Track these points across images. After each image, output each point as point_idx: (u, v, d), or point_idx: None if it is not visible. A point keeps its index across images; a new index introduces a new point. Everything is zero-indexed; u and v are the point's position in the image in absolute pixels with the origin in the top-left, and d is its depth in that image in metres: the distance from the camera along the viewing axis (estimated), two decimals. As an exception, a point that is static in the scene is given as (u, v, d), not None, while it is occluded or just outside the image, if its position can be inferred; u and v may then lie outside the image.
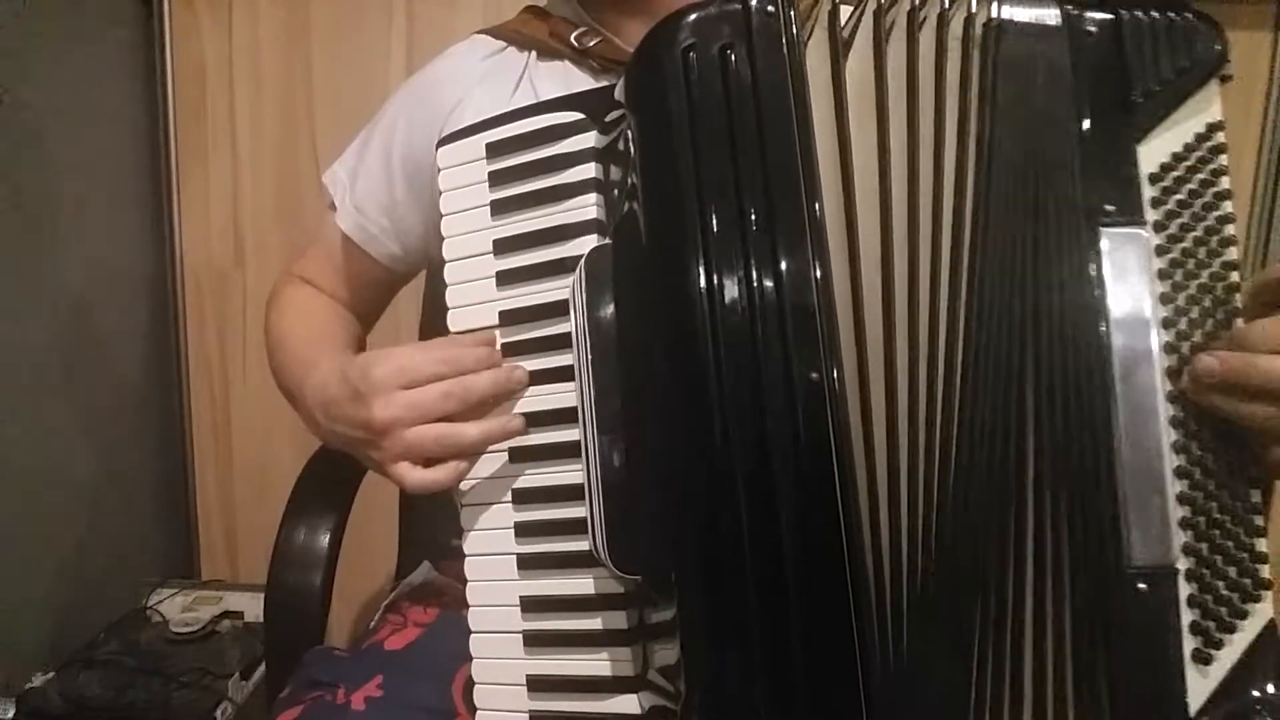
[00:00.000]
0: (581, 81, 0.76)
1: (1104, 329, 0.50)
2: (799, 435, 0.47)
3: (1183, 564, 0.49)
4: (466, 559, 0.58)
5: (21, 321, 1.22)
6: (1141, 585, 0.49)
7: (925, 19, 0.52)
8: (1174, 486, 0.49)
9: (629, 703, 0.54)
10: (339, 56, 1.46)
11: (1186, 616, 0.49)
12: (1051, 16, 0.52)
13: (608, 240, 0.54)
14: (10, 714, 1.14)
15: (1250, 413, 0.48)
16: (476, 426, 0.56)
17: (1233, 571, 0.49)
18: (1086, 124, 0.51)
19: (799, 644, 0.47)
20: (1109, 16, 0.52)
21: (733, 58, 0.49)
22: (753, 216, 0.48)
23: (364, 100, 1.44)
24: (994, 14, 0.52)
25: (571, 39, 0.76)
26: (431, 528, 0.90)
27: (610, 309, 0.52)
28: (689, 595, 0.49)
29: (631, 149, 0.52)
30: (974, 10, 0.52)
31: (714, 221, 0.48)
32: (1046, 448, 0.50)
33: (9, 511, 1.20)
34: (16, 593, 1.21)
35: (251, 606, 1.34)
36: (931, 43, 0.52)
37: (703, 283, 0.48)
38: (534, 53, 0.79)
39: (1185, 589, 0.49)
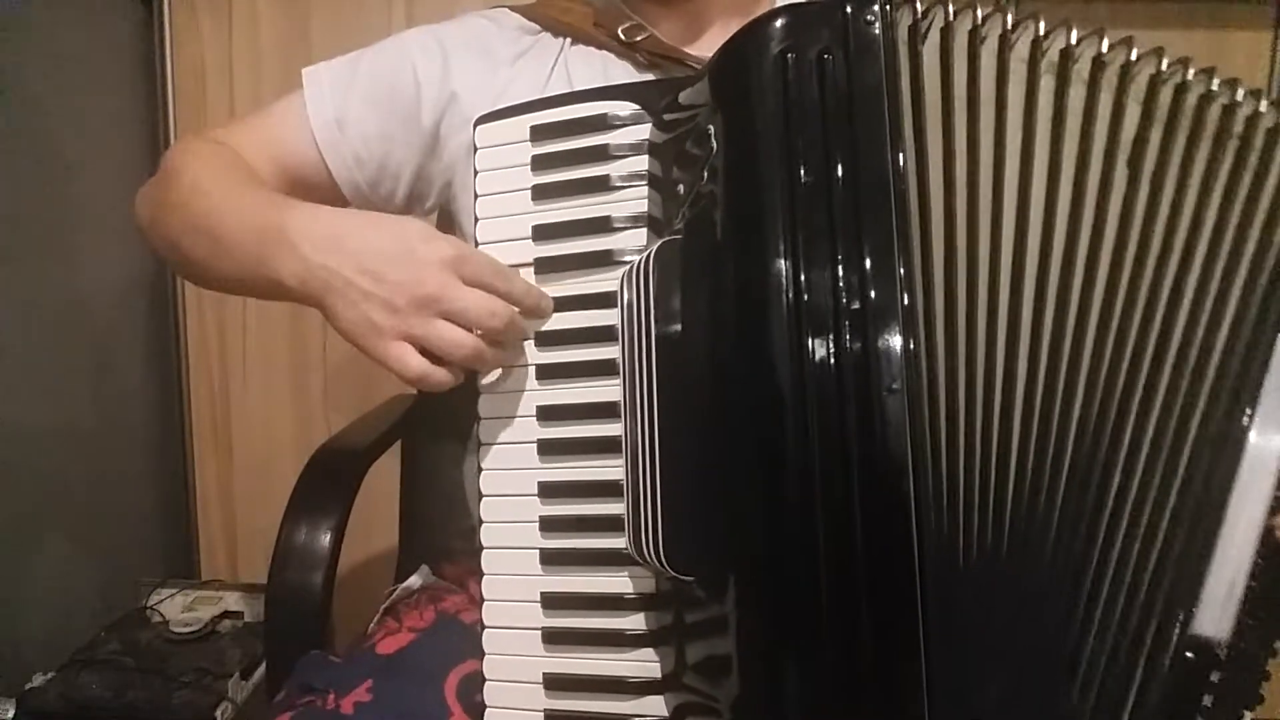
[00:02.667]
0: (621, 73, 0.74)
1: (1246, 422, 0.49)
2: (875, 451, 0.45)
3: (1222, 649, 0.49)
4: (484, 552, 0.57)
5: (21, 321, 1.22)
6: (1189, 654, 0.49)
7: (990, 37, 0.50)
8: (1247, 570, 0.49)
9: (656, 704, 0.53)
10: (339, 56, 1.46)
11: (1206, 699, 0.49)
12: None
13: (676, 236, 0.52)
14: (10, 714, 1.13)
15: None
16: (497, 354, 0.55)
17: (1253, 668, 0.49)
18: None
19: (862, 661, 0.45)
20: None
21: (830, 63, 0.47)
22: (842, 228, 0.46)
23: (364, 100, 1.44)
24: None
25: (619, 31, 0.74)
26: (432, 529, 0.90)
27: (676, 306, 0.50)
28: (748, 600, 0.47)
29: (711, 148, 0.50)
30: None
31: (801, 227, 0.47)
32: (1154, 492, 0.49)
33: (9, 511, 1.19)
34: (16, 593, 1.21)
35: (251, 606, 1.34)
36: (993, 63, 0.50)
37: (785, 285, 0.46)
38: (568, 39, 0.77)
39: (1216, 674, 0.49)
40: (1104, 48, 0.50)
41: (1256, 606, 0.49)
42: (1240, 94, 0.50)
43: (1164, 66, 0.50)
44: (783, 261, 0.46)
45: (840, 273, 0.46)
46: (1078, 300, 0.49)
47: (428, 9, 1.45)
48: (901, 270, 0.46)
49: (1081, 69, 0.50)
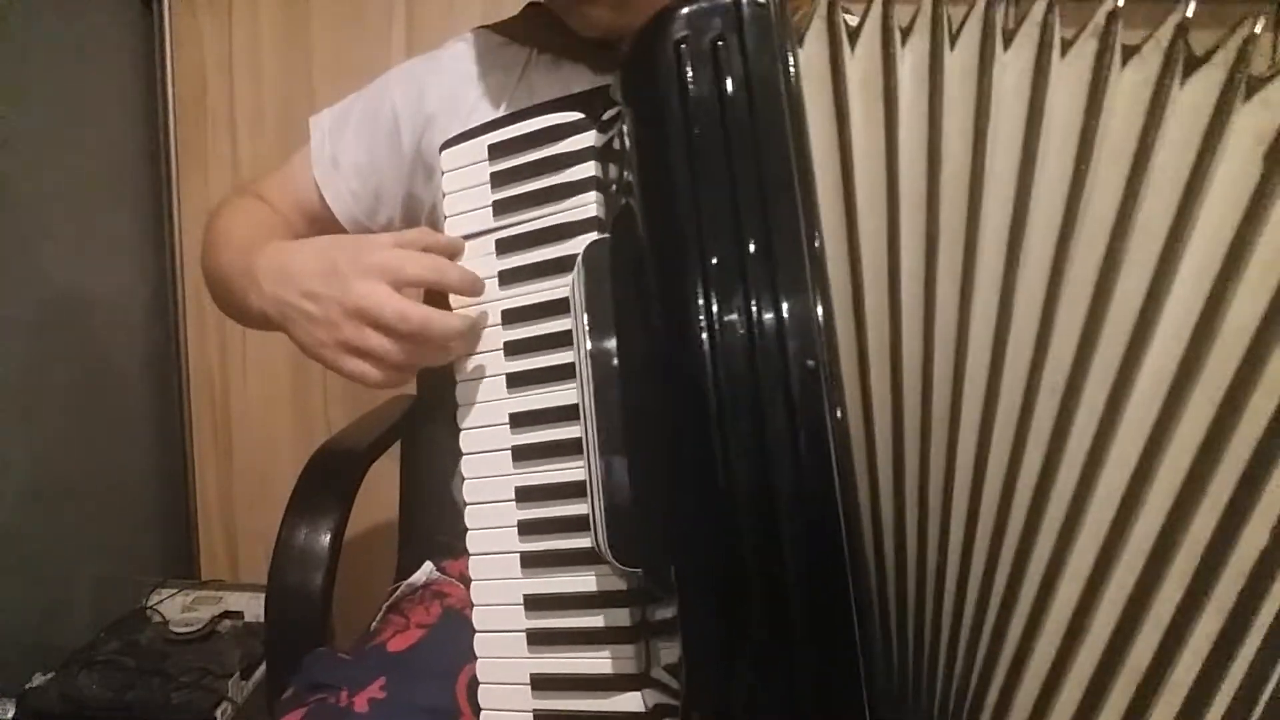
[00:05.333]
0: (581, 79, 0.76)
1: None
2: (797, 429, 0.46)
3: None
4: (470, 558, 0.58)
5: (21, 321, 1.22)
6: None
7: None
8: None
9: (633, 700, 0.53)
10: (339, 57, 1.46)
11: None
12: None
13: (605, 235, 0.54)
14: (10, 714, 1.14)
15: None
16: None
17: None
18: None
19: (801, 645, 0.46)
20: None
21: (724, 50, 0.49)
22: (747, 210, 0.47)
23: (364, 100, 1.44)
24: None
25: (574, 37, 0.76)
26: (432, 527, 0.90)
27: (608, 303, 0.52)
28: (686, 590, 0.48)
29: (627, 144, 0.52)
30: None
31: (709, 215, 0.48)
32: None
33: (9, 511, 1.20)
34: (16, 593, 1.21)
35: (251, 606, 1.34)
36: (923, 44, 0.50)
37: (699, 277, 0.47)
38: (535, 49, 0.80)
39: None
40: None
41: None
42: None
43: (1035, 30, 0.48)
44: (693, 251, 0.47)
45: (749, 255, 0.47)
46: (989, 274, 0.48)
47: (428, 9, 1.45)
48: (810, 246, 0.46)
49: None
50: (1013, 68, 0.47)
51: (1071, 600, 0.46)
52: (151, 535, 1.53)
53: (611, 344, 0.52)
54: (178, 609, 1.36)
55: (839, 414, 0.45)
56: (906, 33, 0.49)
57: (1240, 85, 0.44)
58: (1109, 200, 0.45)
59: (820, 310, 0.45)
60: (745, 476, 0.46)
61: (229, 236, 0.76)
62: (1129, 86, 0.45)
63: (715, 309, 0.47)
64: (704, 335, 0.46)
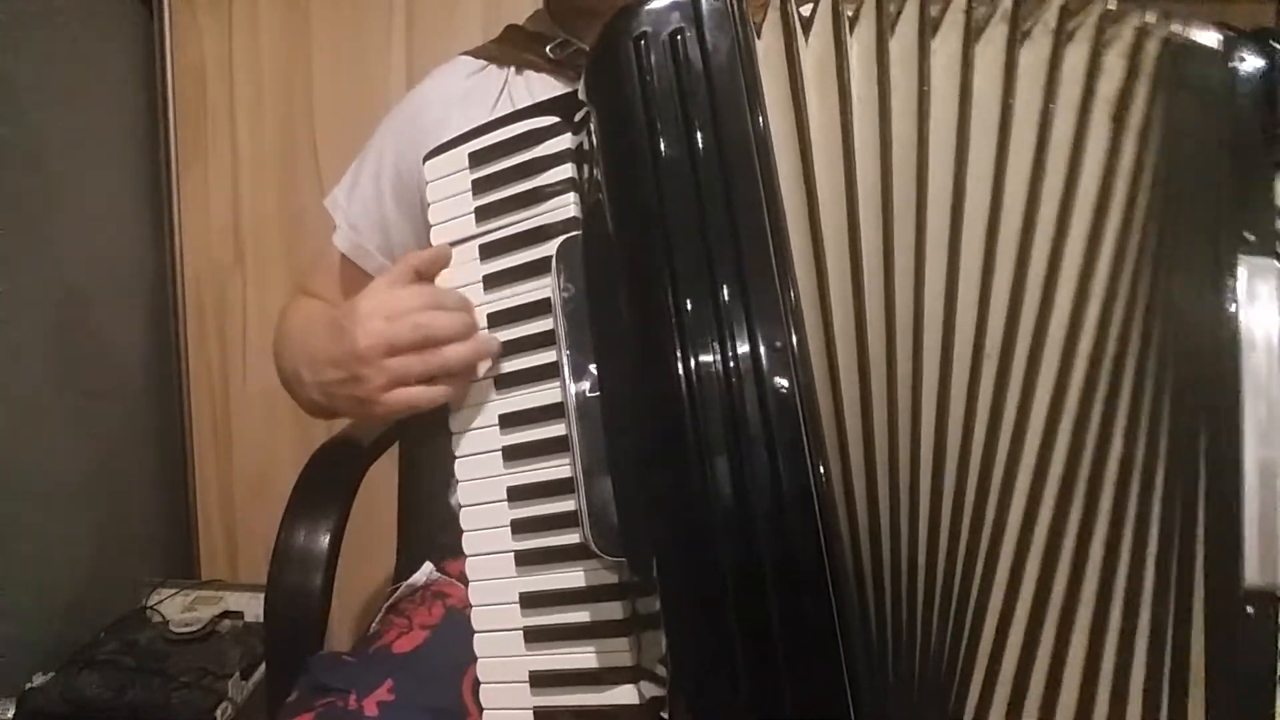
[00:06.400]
0: (560, 90, 0.77)
1: (1235, 349, 0.49)
2: (768, 407, 0.47)
3: None
4: (467, 559, 0.58)
5: (21, 321, 1.22)
6: (1249, 608, 0.48)
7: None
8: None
9: (628, 693, 0.54)
10: (339, 56, 1.47)
11: None
12: (1212, 40, 0.51)
13: (578, 233, 0.55)
14: (10, 714, 1.14)
15: None
16: (455, 348, 0.58)
17: None
18: (1231, 151, 0.51)
19: (779, 627, 0.47)
20: (1263, 46, 0.51)
21: (683, 44, 0.50)
22: (710, 199, 0.49)
23: (363, 100, 1.44)
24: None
25: (546, 51, 0.80)
26: (430, 528, 0.90)
27: (583, 298, 0.53)
28: (666, 578, 0.49)
29: (595, 141, 0.53)
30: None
31: (673, 207, 0.49)
32: (1167, 458, 0.49)
33: (9, 511, 1.20)
34: (17, 593, 1.21)
35: (251, 606, 1.34)
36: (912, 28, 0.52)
37: (668, 272, 0.49)
38: (513, 68, 0.82)
39: None
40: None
41: None
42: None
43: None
44: (658, 242, 0.49)
45: (714, 244, 0.48)
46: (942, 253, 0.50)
47: (428, 9, 1.45)
48: (774, 232, 0.48)
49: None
50: (942, 52, 0.51)
51: (1010, 553, 0.50)
52: (151, 535, 1.53)
53: (587, 339, 0.53)
54: (178, 609, 1.36)
55: (809, 395, 0.47)
56: (854, 22, 0.51)
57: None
58: (1023, 169, 0.50)
59: (792, 295, 0.47)
60: (721, 462, 0.47)
61: (287, 340, 0.81)
62: (1028, 65, 0.51)
63: (684, 300, 0.48)
64: (674, 322, 0.48)
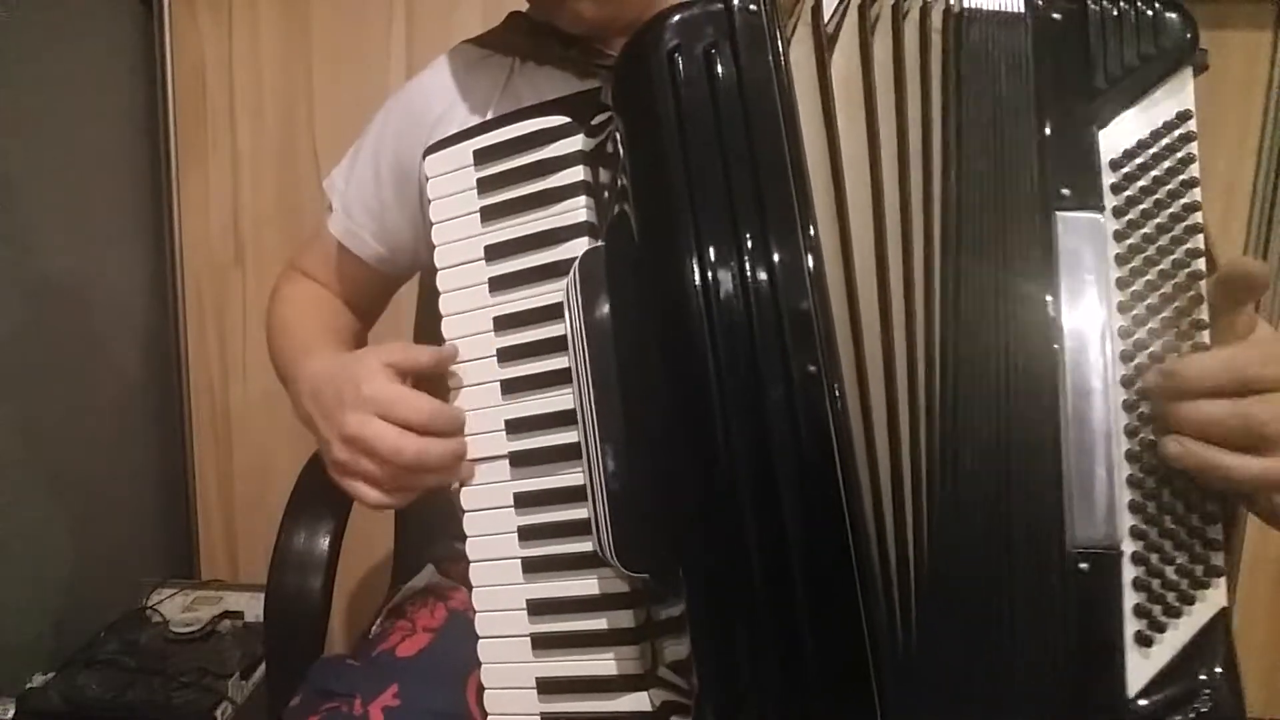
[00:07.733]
0: (565, 85, 0.76)
1: (1053, 310, 0.50)
2: (799, 428, 0.47)
3: (1129, 546, 0.49)
4: (471, 565, 0.58)
5: (21, 321, 1.22)
6: (1083, 565, 0.49)
7: (909, 11, 0.53)
8: (1124, 469, 0.49)
9: (640, 700, 0.54)
10: (339, 56, 1.46)
11: (1131, 599, 0.49)
12: (1015, 4, 0.53)
13: (600, 242, 0.54)
14: (10, 714, 1.14)
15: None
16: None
17: (1182, 557, 0.49)
18: (1046, 110, 0.52)
19: (808, 633, 0.47)
20: (1075, 5, 0.53)
21: (717, 58, 0.49)
22: (744, 214, 0.49)
23: (364, 100, 1.44)
24: (960, 3, 0.53)
25: (554, 43, 0.77)
26: (429, 531, 0.90)
27: (606, 310, 0.52)
28: (696, 590, 0.49)
29: (620, 151, 0.52)
30: (951, 1, 0.53)
31: (706, 220, 0.49)
32: (1000, 429, 0.50)
33: (9, 511, 1.20)
34: (16, 593, 1.22)
35: (251, 606, 1.34)
36: (915, 35, 0.53)
37: (697, 281, 0.48)
38: (517, 58, 0.80)
39: (1131, 571, 0.49)
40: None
41: (1151, 489, 0.49)
42: None
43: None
44: (692, 259, 0.49)
45: (746, 263, 0.48)
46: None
47: (428, 9, 1.45)
48: (810, 262, 0.48)
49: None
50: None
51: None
52: (151, 535, 1.53)
53: (610, 348, 0.52)
54: (178, 609, 1.36)
55: (843, 424, 0.47)
56: (874, 29, 0.52)
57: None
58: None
59: (828, 324, 0.48)
60: (747, 456, 0.47)
61: (284, 323, 0.83)
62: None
63: (716, 313, 0.48)
64: (700, 302, 0.48)
